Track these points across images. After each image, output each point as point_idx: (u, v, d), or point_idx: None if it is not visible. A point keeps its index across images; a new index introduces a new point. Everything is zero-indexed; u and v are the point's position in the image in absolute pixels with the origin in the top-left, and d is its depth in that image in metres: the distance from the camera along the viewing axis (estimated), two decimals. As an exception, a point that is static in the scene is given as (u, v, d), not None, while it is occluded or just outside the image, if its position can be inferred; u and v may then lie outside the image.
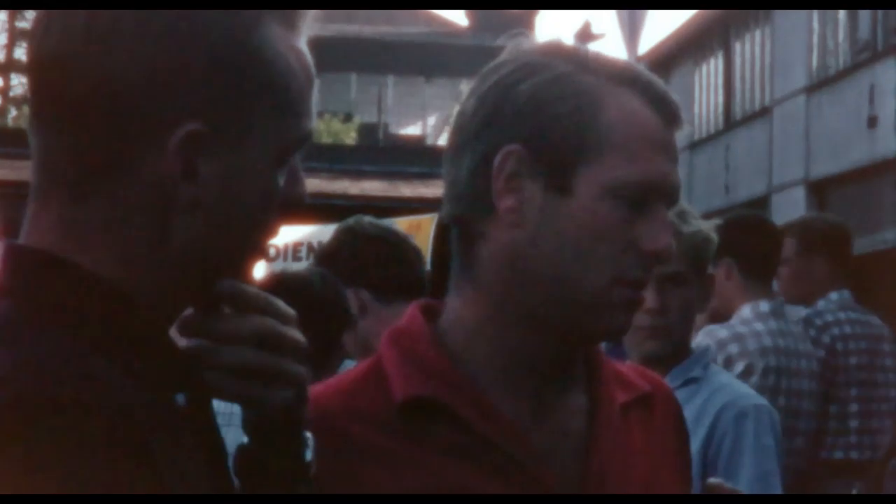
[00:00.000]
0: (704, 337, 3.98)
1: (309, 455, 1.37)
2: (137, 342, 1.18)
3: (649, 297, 2.83)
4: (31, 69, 1.22)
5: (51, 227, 1.19)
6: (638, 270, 1.52)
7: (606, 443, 1.57)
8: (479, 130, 1.52)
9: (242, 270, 1.28)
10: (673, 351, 2.92)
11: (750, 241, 4.33)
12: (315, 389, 1.55)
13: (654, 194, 1.51)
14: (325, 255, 3.57)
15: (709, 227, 2.97)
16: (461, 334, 1.56)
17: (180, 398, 1.21)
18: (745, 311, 4.32)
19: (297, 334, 1.31)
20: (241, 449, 1.35)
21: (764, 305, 4.30)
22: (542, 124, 1.49)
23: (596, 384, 1.61)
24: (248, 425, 1.34)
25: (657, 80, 1.55)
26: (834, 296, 4.83)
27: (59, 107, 1.19)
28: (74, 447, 1.05)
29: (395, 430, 1.49)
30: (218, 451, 1.28)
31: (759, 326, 4.22)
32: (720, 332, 4.19)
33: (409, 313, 1.60)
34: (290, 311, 1.31)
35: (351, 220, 3.54)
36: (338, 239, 3.51)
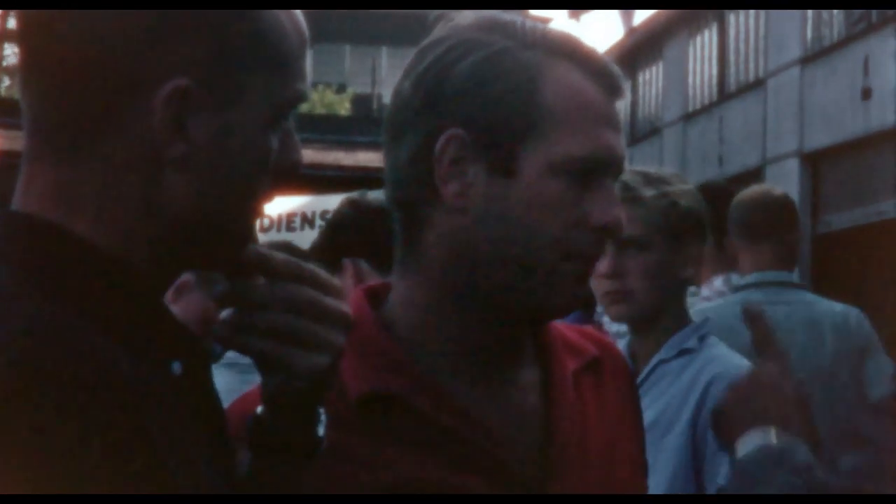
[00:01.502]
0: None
1: (322, 431, 1.35)
2: (132, 310, 1.18)
3: (603, 263, 2.82)
4: (21, 35, 1.22)
5: (43, 191, 1.19)
6: (588, 245, 1.50)
7: (563, 418, 1.56)
8: (417, 113, 1.49)
9: (241, 234, 1.27)
10: (643, 316, 2.90)
11: (721, 211, 4.25)
12: (254, 390, 1.54)
13: (601, 168, 1.49)
14: (329, 227, 3.61)
15: (679, 193, 2.92)
16: (410, 320, 1.54)
17: (176, 366, 1.21)
18: (718, 282, 4.33)
19: (338, 304, 1.29)
20: (257, 418, 1.34)
21: (735, 277, 4.31)
22: (482, 106, 1.46)
23: (547, 355, 1.61)
24: (268, 392, 1.32)
25: (596, 51, 1.53)
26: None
27: (45, 70, 1.19)
28: (70, 420, 1.04)
29: (352, 425, 1.46)
30: (216, 418, 1.28)
31: (732, 299, 4.21)
32: (696, 306, 4.19)
33: (354, 301, 1.55)
34: (333, 280, 1.30)
35: (355, 194, 3.57)
36: (341, 212, 3.55)
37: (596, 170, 1.49)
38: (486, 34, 1.50)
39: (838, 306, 4.10)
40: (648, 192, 2.86)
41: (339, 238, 3.44)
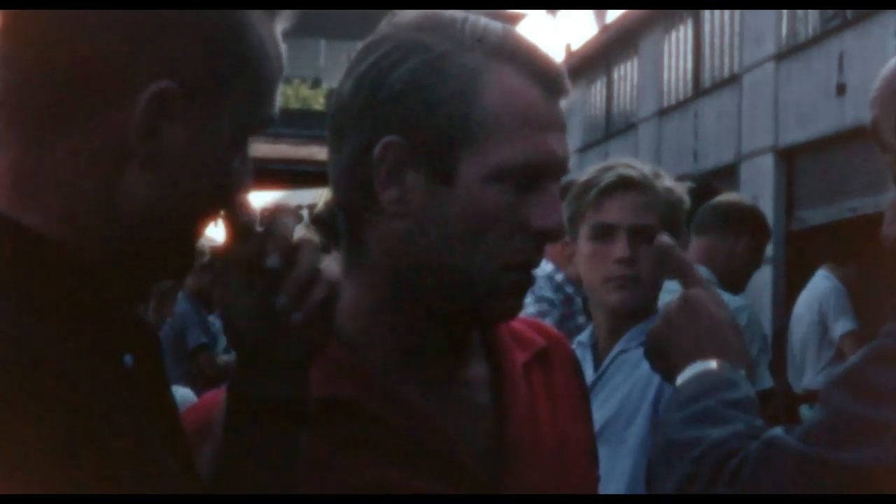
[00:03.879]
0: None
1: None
2: (82, 303, 1.18)
3: (620, 247, 2.85)
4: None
5: (4, 174, 1.19)
6: (527, 252, 1.50)
7: (515, 412, 1.56)
8: (356, 117, 1.49)
9: (188, 243, 1.28)
10: (643, 306, 2.92)
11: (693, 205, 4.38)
12: (210, 397, 1.54)
13: (541, 173, 1.48)
14: (316, 221, 3.63)
15: (681, 188, 2.99)
16: (356, 322, 1.53)
17: (128, 359, 1.21)
18: None
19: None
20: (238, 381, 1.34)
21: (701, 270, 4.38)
22: (420, 113, 1.45)
23: (495, 350, 1.61)
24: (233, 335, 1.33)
25: (539, 50, 1.51)
26: None
27: (29, 50, 1.18)
28: (12, 410, 1.05)
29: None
30: (170, 410, 1.28)
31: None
32: (663, 297, 4.23)
33: None
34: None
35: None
36: (329, 205, 3.59)
37: (536, 175, 1.48)
38: (427, 35, 1.49)
39: (736, 301, 4.17)
40: (659, 185, 2.91)
41: (325, 231, 3.46)
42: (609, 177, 2.91)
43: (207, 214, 1.27)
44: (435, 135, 1.45)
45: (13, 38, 1.20)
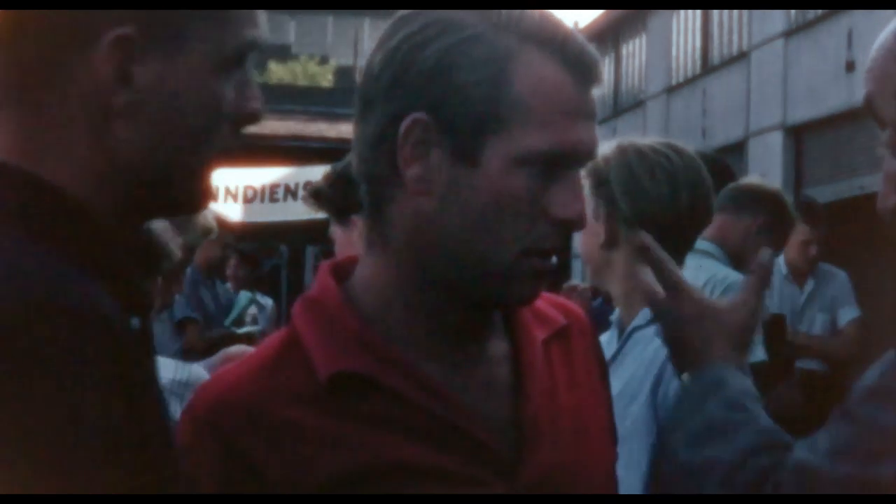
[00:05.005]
0: None
1: None
2: (101, 261, 1.19)
3: None
4: None
5: (8, 139, 1.21)
6: (549, 240, 1.49)
7: (534, 389, 1.56)
8: (385, 90, 1.47)
9: (194, 179, 1.28)
10: None
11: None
12: (223, 373, 1.53)
13: (566, 160, 1.47)
14: (315, 196, 3.63)
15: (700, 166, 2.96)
16: (376, 297, 1.53)
17: (135, 321, 1.22)
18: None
19: None
20: None
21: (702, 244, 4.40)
22: (449, 93, 1.44)
23: (515, 326, 1.60)
24: None
25: (575, 36, 1.49)
26: None
27: (4, 22, 1.20)
28: (68, 355, 1.06)
29: (322, 407, 1.46)
30: (156, 380, 1.28)
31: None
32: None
33: (320, 279, 1.56)
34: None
35: (340, 165, 3.59)
36: (328, 180, 3.58)
37: (561, 163, 1.47)
38: (461, 13, 1.47)
39: (733, 276, 4.19)
40: (679, 163, 2.88)
41: (351, 194, 3.47)
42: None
43: (211, 145, 1.27)
44: (462, 116, 1.44)
45: None
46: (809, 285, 6.94)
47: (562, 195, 1.48)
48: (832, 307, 6.97)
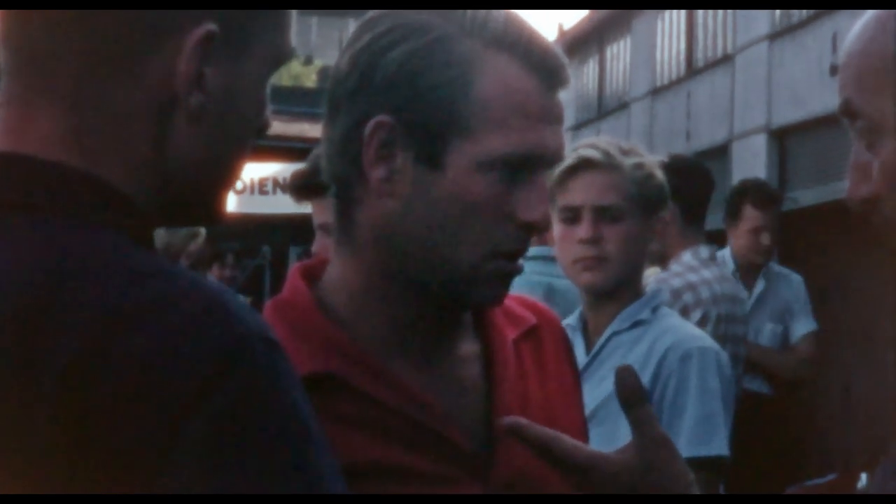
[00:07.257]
0: (656, 286, 3.95)
1: None
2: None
3: (583, 228, 2.88)
4: None
5: (47, 136, 1.14)
6: (513, 242, 1.50)
7: (505, 389, 1.57)
8: (351, 93, 1.48)
9: (227, 188, 1.26)
10: (615, 286, 2.93)
11: (690, 185, 4.31)
12: None
13: (531, 164, 1.48)
14: (293, 189, 3.70)
15: (653, 165, 2.99)
16: (346, 298, 1.54)
17: None
18: (686, 257, 4.32)
19: None
20: None
21: (703, 251, 4.33)
22: (413, 97, 1.45)
23: (485, 326, 1.61)
24: None
25: (540, 39, 1.49)
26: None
27: (61, 11, 1.14)
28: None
29: None
30: None
31: (706, 274, 4.24)
32: (673, 281, 4.18)
33: (291, 281, 1.57)
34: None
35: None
36: (299, 174, 3.64)
37: (526, 166, 1.47)
38: (427, 15, 1.47)
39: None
40: (627, 162, 2.91)
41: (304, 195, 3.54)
42: (569, 159, 2.92)
43: (244, 154, 1.25)
44: (426, 119, 1.45)
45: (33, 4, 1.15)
46: (759, 286, 6.02)
47: (527, 197, 1.48)
48: (784, 317, 6.09)
